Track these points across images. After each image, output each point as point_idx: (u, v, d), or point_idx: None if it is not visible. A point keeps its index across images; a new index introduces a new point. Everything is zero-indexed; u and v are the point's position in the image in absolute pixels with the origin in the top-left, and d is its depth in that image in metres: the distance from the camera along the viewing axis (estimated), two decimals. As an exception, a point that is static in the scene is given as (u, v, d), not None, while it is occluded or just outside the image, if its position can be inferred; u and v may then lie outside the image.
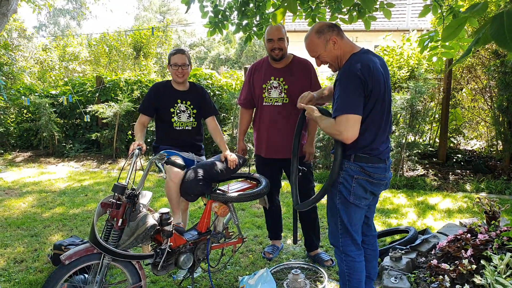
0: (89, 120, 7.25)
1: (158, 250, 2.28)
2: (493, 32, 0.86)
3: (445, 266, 2.30)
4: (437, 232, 3.11)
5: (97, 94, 7.63)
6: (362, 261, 2.10)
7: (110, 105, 6.96)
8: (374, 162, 1.99)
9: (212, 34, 4.32)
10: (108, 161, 7.02)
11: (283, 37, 2.85)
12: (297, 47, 5.68)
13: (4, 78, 9.61)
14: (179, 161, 2.59)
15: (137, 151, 2.35)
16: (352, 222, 2.05)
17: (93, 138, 7.27)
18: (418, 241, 2.84)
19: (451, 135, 6.29)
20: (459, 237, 2.63)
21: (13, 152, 7.74)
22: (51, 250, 3.01)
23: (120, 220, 2.13)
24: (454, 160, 5.84)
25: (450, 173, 5.52)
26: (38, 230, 3.79)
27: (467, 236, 2.57)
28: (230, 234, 2.71)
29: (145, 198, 2.29)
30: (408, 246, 2.77)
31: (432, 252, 2.73)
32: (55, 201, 4.68)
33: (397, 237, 3.36)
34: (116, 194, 2.15)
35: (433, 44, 3.68)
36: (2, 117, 7.86)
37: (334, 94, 1.98)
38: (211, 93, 7.10)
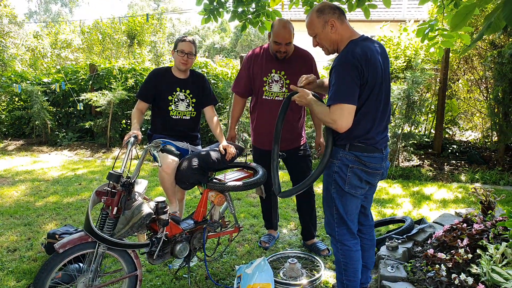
0: (82, 109, 7.15)
1: (154, 239, 2.26)
2: (506, 15, 0.83)
3: (441, 255, 2.31)
4: (433, 222, 3.11)
5: (90, 82, 7.51)
6: (358, 250, 2.09)
7: (104, 94, 6.86)
8: (369, 151, 1.96)
9: (207, 22, 4.23)
10: (102, 150, 6.95)
11: (291, 42, 2.72)
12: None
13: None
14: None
15: (132, 139, 2.30)
16: (347, 212, 2.03)
17: (86, 126, 7.18)
18: (414, 231, 2.84)
19: (446, 126, 6.30)
20: (455, 226, 2.64)
21: (4, 141, 7.63)
22: (45, 239, 2.98)
23: (115, 209, 2.10)
24: (450, 150, 5.87)
25: (445, 164, 5.55)
26: (31, 219, 3.74)
27: (463, 226, 2.58)
28: (226, 223, 2.70)
29: (140, 186, 2.25)
30: (404, 236, 2.77)
31: (428, 242, 2.74)
32: (48, 190, 4.62)
33: (392, 226, 3.37)
34: (111, 182, 2.12)
35: (431, 34, 3.65)
36: (-8, 105, 7.74)
37: (330, 81, 1.94)
38: (206, 82, 7.02)
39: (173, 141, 2.73)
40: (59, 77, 7.75)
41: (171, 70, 2.81)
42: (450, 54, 5.83)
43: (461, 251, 2.26)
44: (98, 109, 7.01)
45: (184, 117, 2.79)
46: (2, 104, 8.01)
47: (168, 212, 2.30)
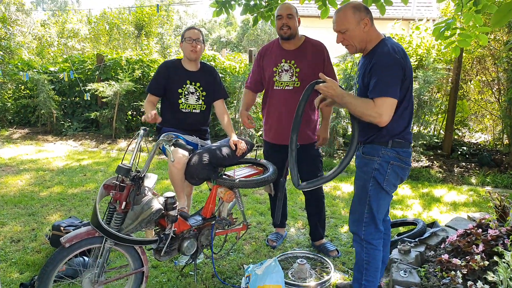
0: (89, 99, 7.08)
1: (162, 235, 2.20)
2: None
3: (456, 261, 2.24)
4: (445, 225, 3.04)
5: (97, 72, 7.45)
6: (381, 250, 2.10)
7: (111, 84, 6.79)
8: (406, 147, 2.02)
9: (219, 15, 4.15)
10: (107, 141, 6.90)
11: (292, 14, 2.72)
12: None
13: (1, 53, 9.37)
14: None
15: (142, 131, 2.24)
16: (379, 210, 2.05)
17: (92, 117, 7.13)
18: (426, 234, 2.77)
19: (456, 127, 6.20)
20: (469, 231, 2.56)
21: (10, 129, 7.60)
22: (49, 230, 2.94)
23: (124, 203, 2.05)
24: (459, 152, 5.77)
25: (455, 166, 5.45)
26: (35, 209, 3.70)
27: (477, 231, 2.50)
28: (234, 220, 2.64)
29: (150, 180, 2.20)
30: (417, 239, 2.70)
31: (442, 246, 2.66)
32: (53, 180, 4.58)
33: (402, 229, 3.30)
34: (120, 175, 2.06)
35: (451, 32, 3.54)
36: (-2, 92, 7.69)
37: (370, 78, 1.92)
38: (214, 76, 6.93)
39: (183, 135, 2.67)
40: (65, 67, 7.69)
41: (181, 62, 2.75)
42: (464, 54, 5.71)
43: (477, 257, 2.19)
44: (104, 100, 6.95)
45: (194, 111, 2.73)
46: (8, 92, 7.96)
47: (177, 208, 2.24)
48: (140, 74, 7.23)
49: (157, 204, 2.05)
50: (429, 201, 4.16)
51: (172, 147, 2.19)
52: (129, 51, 8.51)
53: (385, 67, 1.88)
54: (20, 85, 7.95)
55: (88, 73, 7.63)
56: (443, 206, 4.04)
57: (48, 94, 7.13)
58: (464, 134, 6.65)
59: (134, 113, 7.70)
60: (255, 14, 4.14)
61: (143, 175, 2.08)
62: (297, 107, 2.10)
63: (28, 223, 3.37)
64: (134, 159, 2.12)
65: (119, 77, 7.03)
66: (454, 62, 5.71)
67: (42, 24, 14.34)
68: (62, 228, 2.78)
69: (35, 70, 7.72)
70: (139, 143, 2.18)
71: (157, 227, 2.32)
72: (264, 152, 3.09)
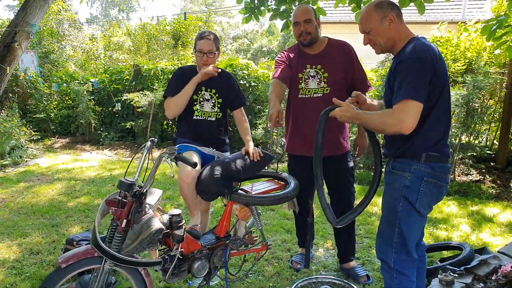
0: (120, 109, 7.20)
1: (166, 257, 2.02)
2: None
3: (512, 300, 1.85)
4: (498, 251, 2.60)
5: (133, 83, 7.59)
6: (415, 281, 1.83)
7: (145, 94, 6.88)
8: (443, 161, 1.78)
9: (248, 21, 4.05)
10: (141, 151, 6.96)
11: (310, 19, 2.47)
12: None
13: (50, 65, 9.92)
14: (195, 158, 2.31)
15: (149, 143, 2.11)
16: (411, 234, 1.79)
17: (127, 126, 7.24)
18: (474, 262, 2.36)
19: (512, 137, 5.55)
20: (529, 263, 2.15)
21: (52, 138, 7.93)
22: (64, 244, 2.88)
23: (124, 221, 1.90)
24: (517, 165, 5.13)
25: (512, 181, 4.85)
26: (60, 220, 3.70)
27: (540, 262, 2.08)
28: (254, 239, 2.41)
29: (153, 197, 2.04)
30: (462, 268, 2.31)
31: (493, 278, 2.25)
32: (82, 190, 4.61)
33: (446, 253, 2.89)
34: (122, 191, 1.93)
35: (499, 31, 3.15)
36: (45, 103, 8.07)
37: (396, 80, 1.72)
38: (247, 84, 6.79)
39: (198, 146, 2.50)
40: (104, 77, 7.93)
41: (196, 68, 2.61)
42: (520, 56, 5.11)
43: (540, 298, 1.79)
44: (139, 110, 7.04)
45: (209, 118, 2.56)
46: (54, 103, 8.35)
47: (184, 226, 2.06)
48: (174, 84, 7.27)
49: (157, 223, 1.87)
50: (479, 221, 3.67)
51: (177, 161, 2.02)
52: (164, 61, 8.63)
53: (410, 67, 1.68)
54: (64, 96, 8.30)
55: (126, 83, 7.81)
56: (496, 227, 3.54)
57: (88, 105, 7.37)
58: (522, 145, 5.95)
59: (170, 122, 7.75)
60: (285, 20, 3.97)
61: (145, 190, 1.93)
62: (315, 137, 1.91)
63: (49, 235, 3.35)
64: (139, 174, 1.98)
65: (154, 87, 7.11)
66: (509, 65, 5.13)
67: (90, 38, 15.11)
68: (75, 242, 2.70)
69: (77, 81, 8.03)
70: (145, 156, 2.05)
71: (164, 247, 2.16)
72: (290, 167, 2.82)
